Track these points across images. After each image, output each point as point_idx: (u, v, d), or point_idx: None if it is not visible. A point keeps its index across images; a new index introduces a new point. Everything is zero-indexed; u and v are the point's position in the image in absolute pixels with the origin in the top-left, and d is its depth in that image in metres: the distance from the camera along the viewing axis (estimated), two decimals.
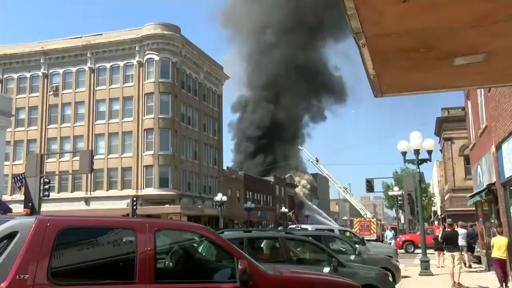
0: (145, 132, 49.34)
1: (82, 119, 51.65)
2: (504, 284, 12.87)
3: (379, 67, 3.75)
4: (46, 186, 25.65)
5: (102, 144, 50.75)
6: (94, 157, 32.08)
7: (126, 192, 47.19)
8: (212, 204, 49.85)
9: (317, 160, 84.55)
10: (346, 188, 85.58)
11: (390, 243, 30.38)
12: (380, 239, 46.21)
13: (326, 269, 8.55)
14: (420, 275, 17.17)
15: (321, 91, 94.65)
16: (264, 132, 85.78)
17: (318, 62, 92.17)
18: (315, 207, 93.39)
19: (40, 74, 53.69)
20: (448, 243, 14.73)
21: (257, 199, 69.39)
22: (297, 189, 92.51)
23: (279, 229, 25.76)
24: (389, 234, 32.72)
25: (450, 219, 17.72)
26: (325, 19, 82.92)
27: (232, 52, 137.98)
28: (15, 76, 54.47)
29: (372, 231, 44.66)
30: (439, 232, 19.46)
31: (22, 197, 27.38)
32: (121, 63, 51.39)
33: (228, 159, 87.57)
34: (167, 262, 5.65)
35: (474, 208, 23.23)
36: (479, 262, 21.30)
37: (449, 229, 15.44)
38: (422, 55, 3.60)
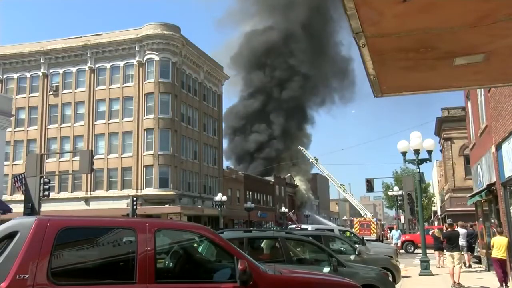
0: (145, 132, 49.33)
1: (82, 119, 51.65)
2: (504, 284, 12.88)
3: (379, 67, 3.75)
4: (46, 186, 25.64)
5: (102, 144, 50.74)
6: (94, 157, 32.07)
7: (126, 192, 47.22)
8: (212, 204, 49.85)
9: (316, 160, 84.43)
10: (343, 186, 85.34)
11: (397, 243, 30.35)
12: (380, 239, 46.22)
13: (326, 269, 8.55)
14: (420, 275, 17.19)
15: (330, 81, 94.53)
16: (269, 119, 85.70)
17: (329, 47, 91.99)
18: (314, 206, 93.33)
19: (40, 74, 53.69)
20: (448, 243, 14.74)
21: (257, 199, 69.42)
22: (298, 189, 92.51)
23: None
24: (395, 234, 32.67)
25: (450, 219, 17.72)
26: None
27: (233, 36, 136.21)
28: (15, 76, 54.46)
29: (372, 231, 44.65)
30: (438, 233, 19.48)
31: (22, 197, 27.39)
32: (121, 63, 51.39)
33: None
34: (167, 262, 5.65)
35: (474, 208, 23.24)
36: (479, 262, 21.31)
37: (449, 229, 15.45)
38: (422, 55, 3.60)
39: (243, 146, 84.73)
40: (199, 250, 6.25)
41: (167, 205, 46.50)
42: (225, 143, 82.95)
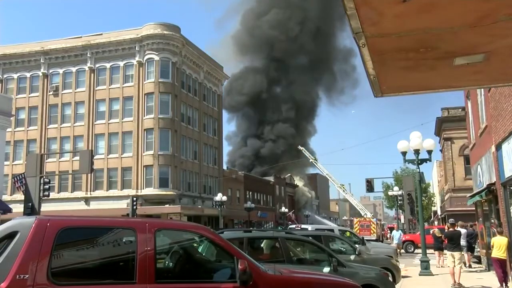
0: (145, 132, 49.33)
1: (82, 119, 51.65)
2: (504, 284, 12.88)
3: (379, 67, 3.75)
4: (46, 186, 25.64)
5: (102, 144, 50.74)
6: (94, 157, 32.06)
7: (126, 192, 47.21)
8: (212, 204, 49.84)
9: (316, 160, 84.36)
10: (343, 185, 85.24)
11: (398, 244, 30.33)
12: (380, 239, 46.19)
13: (326, 269, 8.55)
14: (420, 275, 17.19)
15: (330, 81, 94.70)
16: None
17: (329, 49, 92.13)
18: (314, 206, 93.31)
19: (40, 74, 53.68)
20: (450, 242, 14.76)
21: (257, 199, 69.41)
22: (300, 189, 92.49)
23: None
24: (396, 234, 32.67)
25: (452, 219, 17.72)
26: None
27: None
28: (15, 76, 54.46)
29: (372, 231, 44.63)
30: (438, 233, 19.51)
31: (22, 197, 27.39)
32: (121, 63, 51.39)
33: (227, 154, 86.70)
34: (167, 262, 5.65)
35: (474, 208, 23.23)
36: (479, 262, 21.31)
37: (451, 229, 15.46)
38: (422, 55, 3.60)
39: (252, 130, 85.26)
40: (199, 250, 6.25)
41: (167, 205, 46.50)
42: (226, 125, 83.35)
